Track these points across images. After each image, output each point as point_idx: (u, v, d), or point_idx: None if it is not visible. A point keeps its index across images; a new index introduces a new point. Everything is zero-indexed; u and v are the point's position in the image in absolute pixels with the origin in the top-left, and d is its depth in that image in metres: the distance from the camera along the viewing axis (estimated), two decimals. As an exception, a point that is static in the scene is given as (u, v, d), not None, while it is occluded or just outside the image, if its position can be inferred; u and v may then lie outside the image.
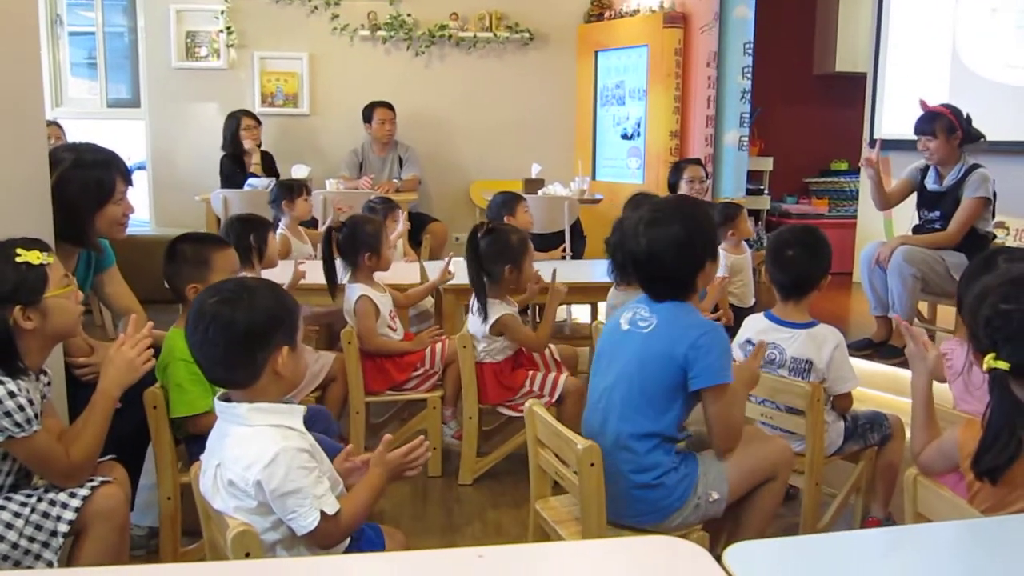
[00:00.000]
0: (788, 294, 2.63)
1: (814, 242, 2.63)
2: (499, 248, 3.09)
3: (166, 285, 2.57)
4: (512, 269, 3.10)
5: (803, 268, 2.60)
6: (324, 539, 1.65)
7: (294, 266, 3.46)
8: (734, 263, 4.09)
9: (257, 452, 1.59)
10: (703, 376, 2.01)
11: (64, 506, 1.90)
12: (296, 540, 1.65)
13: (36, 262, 1.91)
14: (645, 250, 2.10)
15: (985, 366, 1.51)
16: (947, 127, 4.12)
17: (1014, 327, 1.48)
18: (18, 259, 1.89)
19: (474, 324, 3.15)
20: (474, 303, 3.15)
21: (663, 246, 2.07)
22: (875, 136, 6.03)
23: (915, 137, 4.26)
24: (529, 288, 3.22)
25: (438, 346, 3.28)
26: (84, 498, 1.92)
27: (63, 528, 1.89)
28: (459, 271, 3.45)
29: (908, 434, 2.33)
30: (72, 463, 1.94)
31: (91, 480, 1.97)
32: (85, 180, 2.51)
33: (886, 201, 4.49)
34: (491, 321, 3.07)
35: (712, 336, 2.04)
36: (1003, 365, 1.48)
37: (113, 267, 2.79)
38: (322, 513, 1.61)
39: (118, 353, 2.04)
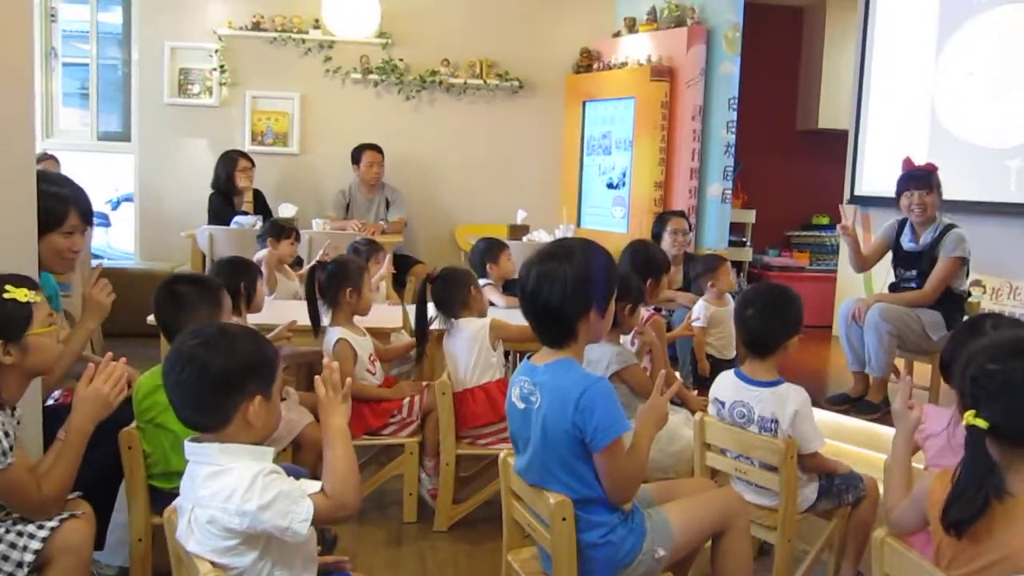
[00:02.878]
0: (753, 351, 2.63)
1: (777, 302, 2.62)
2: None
3: (157, 324, 2.56)
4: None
5: (764, 328, 2.59)
6: (331, 512, 1.67)
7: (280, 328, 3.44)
8: (714, 315, 4.13)
9: (234, 481, 1.60)
10: (597, 438, 1.92)
11: (31, 536, 1.92)
12: (290, 556, 1.66)
13: (23, 299, 1.94)
14: (532, 286, 2.01)
15: (964, 422, 1.54)
16: (938, 184, 4.20)
17: (995, 387, 1.52)
18: (6, 295, 1.91)
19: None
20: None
21: (548, 283, 1.99)
22: (856, 193, 6.14)
23: (892, 195, 4.33)
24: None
25: (416, 396, 3.30)
26: (52, 530, 1.94)
27: (28, 558, 1.90)
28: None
29: (882, 493, 2.35)
30: (43, 497, 1.95)
31: (60, 514, 1.99)
32: (42, 202, 2.51)
33: (862, 264, 4.54)
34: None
35: (592, 392, 1.94)
36: (981, 423, 1.52)
37: (59, 313, 2.77)
38: (311, 496, 1.62)
39: (90, 388, 2.05)
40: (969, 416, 1.53)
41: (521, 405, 2.08)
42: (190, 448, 1.69)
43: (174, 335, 2.49)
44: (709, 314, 4.12)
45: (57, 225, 2.54)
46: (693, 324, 3.98)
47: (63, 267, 2.62)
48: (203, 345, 1.68)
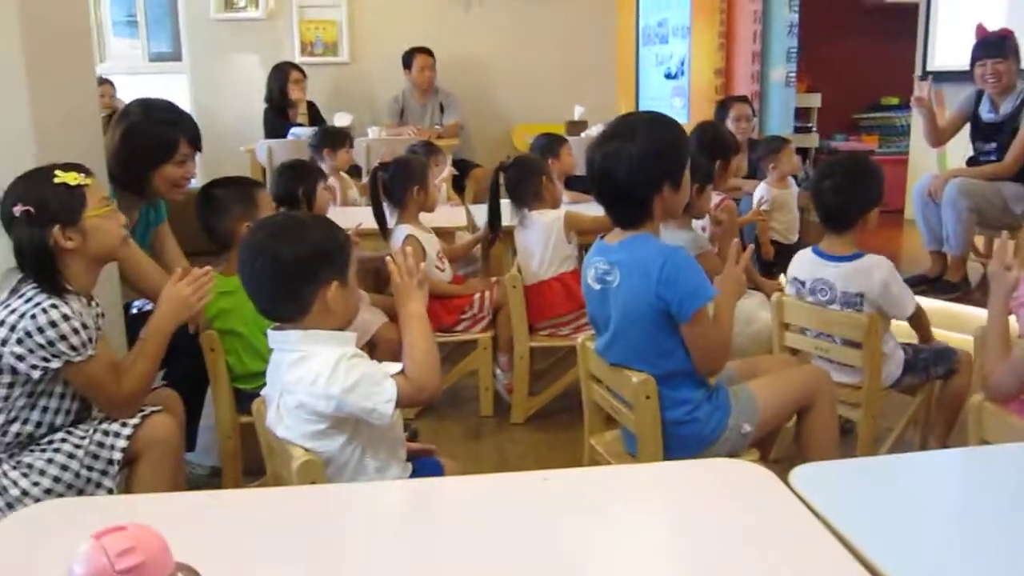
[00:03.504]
0: (830, 226, 2.54)
1: (857, 171, 2.53)
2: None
3: (202, 229, 2.57)
4: None
5: (843, 200, 2.50)
6: (414, 393, 1.67)
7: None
8: (777, 197, 4.03)
9: (319, 366, 1.60)
10: (684, 307, 1.89)
11: (116, 435, 1.95)
12: (367, 456, 1.68)
13: (74, 183, 1.92)
14: (599, 168, 1.96)
15: None
16: (1015, 50, 3.98)
17: None
18: (56, 180, 1.91)
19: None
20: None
21: (614, 162, 1.93)
22: (927, 69, 5.85)
23: (967, 68, 4.11)
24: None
25: (487, 291, 3.29)
26: (135, 426, 1.97)
27: (117, 456, 1.94)
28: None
29: (976, 365, 2.29)
30: (122, 394, 1.98)
31: (142, 410, 2.02)
32: (150, 134, 2.55)
33: (939, 137, 4.35)
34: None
35: (674, 260, 1.90)
36: None
37: (164, 224, 2.82)
38: (393, 376, 1.63)
39: (173, 289, 2.07)
40: None
41: (597, 287, 2.04)
42: (273, 336, 1.69)
43: (216, 237, 2.54)
44: (772, 197, 4.01)
45: (169, 156, 2.55)
46: (760, 208, 3.88)
47: (177, 194, 2.63)
48: (273, 235, 1.66)
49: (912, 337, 2.69)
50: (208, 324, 2.44)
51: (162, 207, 2.79)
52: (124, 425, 1.97)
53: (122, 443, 1.95)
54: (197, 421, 2.62)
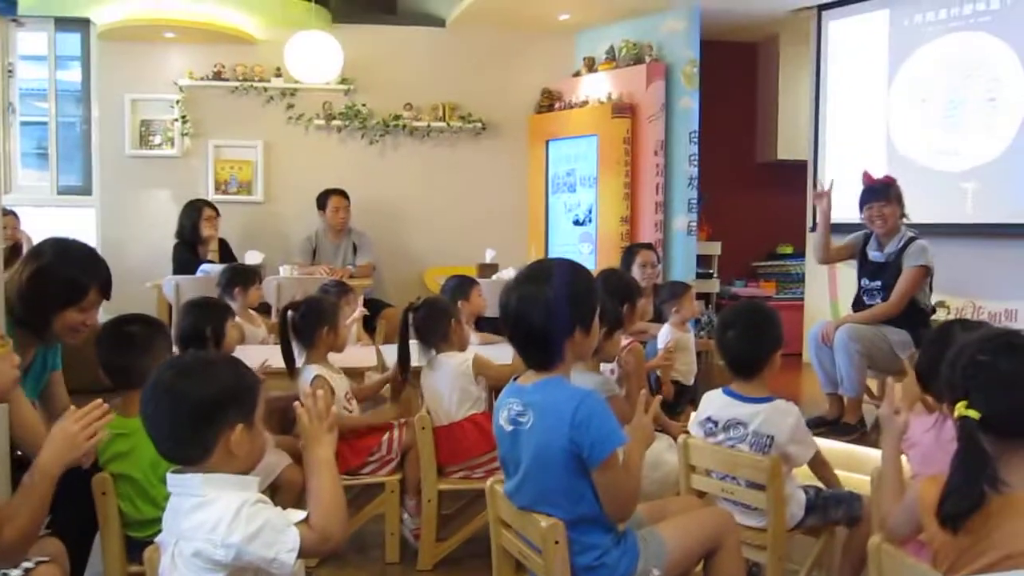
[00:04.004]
0: (739, 373, 2.63)
1: (756, 320, 2.64)
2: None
3: (104, 368, 2.49)
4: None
5: (748, 348, 2.61)
6: (317, 544, 1.61)
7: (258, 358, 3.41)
8: (679, 340, 4.14)
9: (219, 512, 1.55)
10: (595, 451, 1.90)
11: None
12: None
13: None
14: (514, 310, 1.99)
15: (956, 414, 1.55)
16: (898, 196, 4.28)
17: (985, 378, 1.54)
18: None
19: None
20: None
21: (530, 305, 1.97)
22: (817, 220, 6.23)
23: (854, 220, 4.40)
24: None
25: (395, 432, 3.25)
26: None
27: None
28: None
29: (873, 506, 2.35)
30: (4, 543, 1.84)
31: (27, 560, 1.88)
32: (60, 277, 2.46)
33: (826, 253, 4.58)
34: None
35: (587, 404, 1.92)
36: (973, 414, 1.53)
37: (59, 371, 2.71)
38: (297, 525, 1.57)
39: (60, 426, 1.94)
40: (960, 407, 1.54)
41: (509, 427, 2.05)
42: (172, 480, 1.63)
43: (123, 378, 2.44)
44: (675, 339, 4.12)
45: (76, 301, 2.47)
46: (668, 349, 3.98)
47: (73, 339, 2.54)
48: (180, 375, 1.63)
49: (812, 479, 2.76)
50: (101, 466, 2.33)
51: (58, 352, 2.69)
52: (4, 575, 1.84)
53: None
54: (83, 570, 2.46)
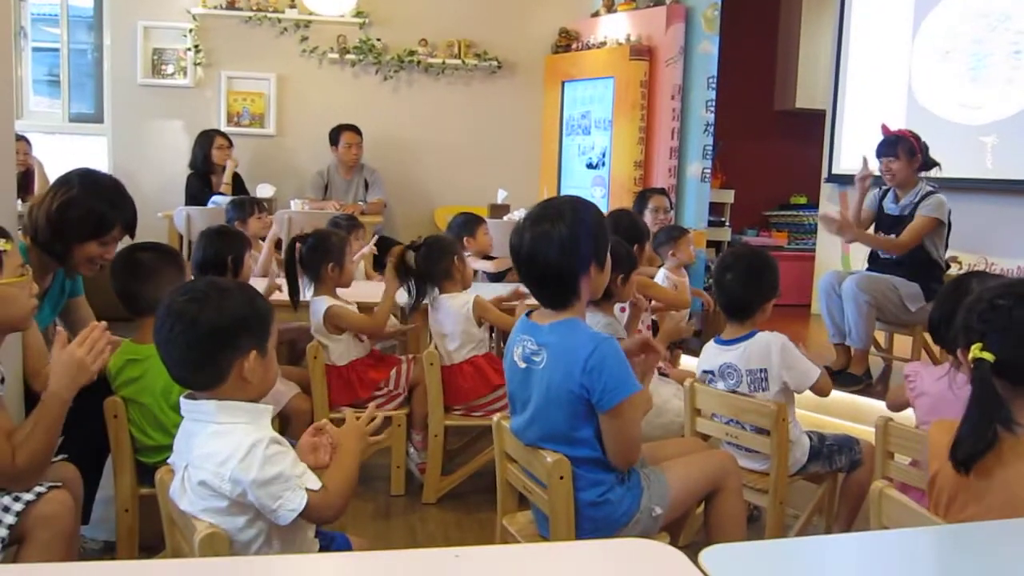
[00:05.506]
0: (732, 315, 2.69)
1: (755, 265, 2.68)
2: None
3: (118, 295, 2.48)
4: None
5: (743, 292, 2.66)
6: (319, 514, 1.63)
7: (269, 279, 3.43)
8: (675, 285, 4.13)
9: (231, 446, 1.56)
10: (605, 398, 1.90)
11: (6, 510, 1.84)
12: (273, 536, 1.62)
13: None
14: (528, 249, 1.97)
15: (971, 355, 1.57)
16: (908, 149, 4.24)
17: (1003, 322, 1.56)
18: None
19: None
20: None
21: (544, 244, 1.95)
22: (833, 172, 6.17)
23: (875, 173, 4.36)
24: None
25: (403, 367, 3.27)
26: (27, 503, 1.85)
27: (2, 533, 1.82)
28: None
29: (877, 450, 2.37)
30: (17, 467, 1.86)
31: (40, 485, 1.91)
32: (88, 209, 2.48)
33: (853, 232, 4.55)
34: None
35: (601, 351, 1.91)
36: (988, 356, 1.54)
37: (82, 296, 2.76)
38: (308, 491, 1.59)
39: (66, 352, 1.95)
40: (975, 350, 1.56)
41: (523, 364, 2.04)
42: (186, 405, 1.65)
43: (135, 304, 2.45)
44: (672, 284, 4.12)
45: (100, 235, 2.50)
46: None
47: (87, 271, 2.57)
48: (193, 300, 1.62)
49: (817, 426, 2.78)
50: (114, 391, 2.35)
51: (79, 278, 2.72)
52: (16, 500, 1.86)
53: (10, 519, 1.83)
54: (94, 493, 2.50)
